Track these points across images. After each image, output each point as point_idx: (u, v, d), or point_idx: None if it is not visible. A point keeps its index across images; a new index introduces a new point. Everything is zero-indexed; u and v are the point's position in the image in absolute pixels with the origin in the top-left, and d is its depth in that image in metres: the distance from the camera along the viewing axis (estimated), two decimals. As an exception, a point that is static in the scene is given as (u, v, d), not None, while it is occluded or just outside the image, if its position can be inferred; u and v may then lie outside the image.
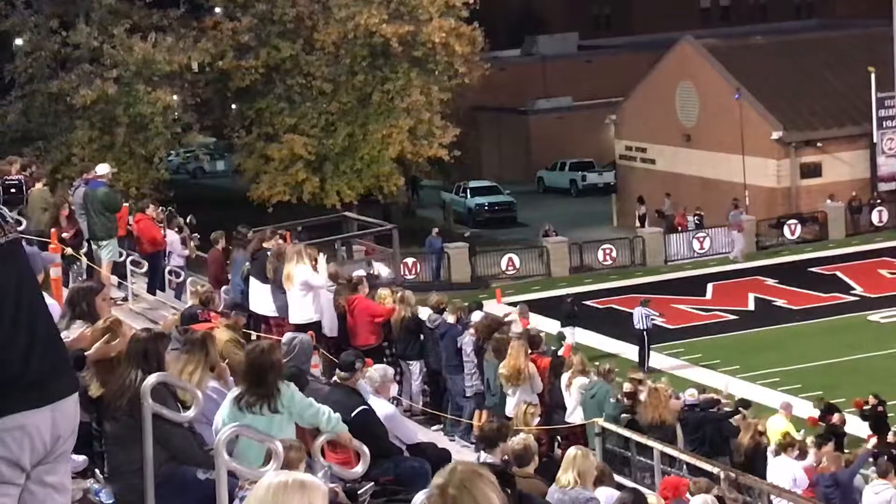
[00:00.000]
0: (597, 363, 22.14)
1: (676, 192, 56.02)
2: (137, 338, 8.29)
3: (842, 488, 17.47)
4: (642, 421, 17.87)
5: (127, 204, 24.34)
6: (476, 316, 19.59)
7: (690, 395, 19.52)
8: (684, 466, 17.01)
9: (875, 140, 52.33)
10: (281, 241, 20.04)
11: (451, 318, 18.48)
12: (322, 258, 18.01)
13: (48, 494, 4.73)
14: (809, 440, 20.25)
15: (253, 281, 18.83)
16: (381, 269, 21.91)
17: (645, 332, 33.42)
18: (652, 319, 33.88)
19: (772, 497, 16.16)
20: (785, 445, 18.18)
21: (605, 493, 11.42)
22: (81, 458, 8.72)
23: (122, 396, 7.96)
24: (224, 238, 23.01)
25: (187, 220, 26.69)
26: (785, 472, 17.58)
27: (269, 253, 18.72)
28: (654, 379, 23.03)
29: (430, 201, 67.29)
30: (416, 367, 18.59)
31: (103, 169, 19.36)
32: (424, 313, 19.07)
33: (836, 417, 24.29)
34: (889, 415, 24.76)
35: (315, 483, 4.28)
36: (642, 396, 18.75)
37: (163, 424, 7.67)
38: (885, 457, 19.48)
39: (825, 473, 17.83)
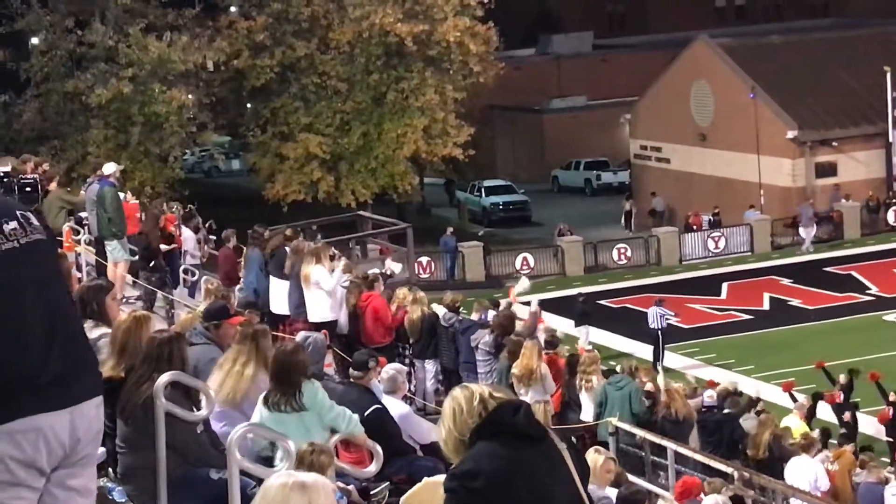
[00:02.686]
0: (612, 362, 22.15)
1: (691, 192, 55.95)
2: (156, 340, 8.28)
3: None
4: (659, 417, 17.90)
5: (136, 201, 24.31)
6: (492, 315, 19.57)
7: (709, 397, 19.47)
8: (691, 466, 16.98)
9: (891, 139, 52.20)
10: (300, 239, 20.11)
11: (474, 316, 18.52)
12: (340, 263, 18.08)
13: (70, 497, 4.68)
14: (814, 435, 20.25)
15: (273, 279, 18.87)
16: (394, 268, 21.85)
17: (659, 332, 33.37)
18: (667, 319, 33.82)
19: (789, 498, 16.09)
20: (805, 446, 18.06)
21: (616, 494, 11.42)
22: (101, 449, 8.72)
23: (138, 399, 7.95)
24: (235, 236, 23.00)
25: (207, 224, 26.71)
26: (805, 472, 17.46)
27: (287, 249, 18.81)
28: (669, 378, 23.04)
29: (445, 201, 67.23)
30: (430, 366, 18.56)
31: (109, 168, 19.31)
32: (440, 312, 19.07)
33: (847, 415, 24.34)
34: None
35: (317, 483, 4.24)
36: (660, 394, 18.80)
37: (171, 424, 7.66)
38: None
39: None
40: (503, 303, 20.55)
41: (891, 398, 24.82)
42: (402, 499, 5.21)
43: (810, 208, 49.39)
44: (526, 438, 4.74)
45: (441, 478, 4.99)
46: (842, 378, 25.70)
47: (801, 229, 49.06)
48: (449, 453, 4.88)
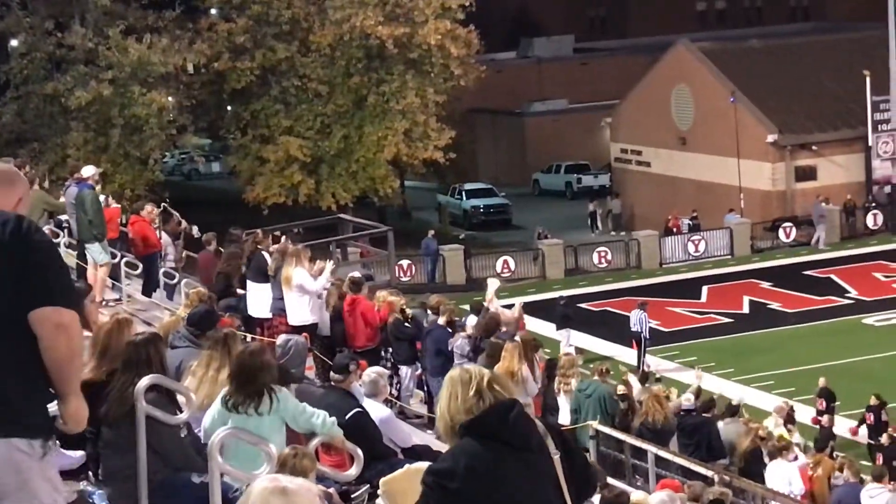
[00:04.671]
0: (591, 364, 22.17)
1: (672, 195, 56.06)
2: (134, 343, 8.25)
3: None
4: (636, 423, 17.91)
5: (118, 206, 24.22)
6: (472, 319, 19.52)
7: (686, 400, 19.51)
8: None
9: (870, 143, 52.36)
10: (282, 241, 20.06)
11: (441, 320, 18.38)
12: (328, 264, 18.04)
13: None
14: (799, 440, 20.30)
15: (250, 283, 18.81)
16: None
17: (643, 336, 33.41)
18: (649, 324, 33.87)
19: (768, 501, 16.16)
20: (780, 449, 18.19)
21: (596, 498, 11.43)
22: (79, 453, 8.70)
23: (123, 403, 7.93)
24: (216, 240, 22.93)
25: (185, 227, 26.54)
26: (780, 475, 17.58)
27: (263, 252, 18.76)
28: (650, 382, 23.05)
29: (426, 204, 67.19)
30: (405, 371, 18.49)
31: (88, 171, 19.21)
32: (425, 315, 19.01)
33: (825, 419, 24.43)
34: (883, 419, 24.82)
35: (299, 488, 4.23)
36: (638, 397, 18.83)
37: (155, 427, 7.65)
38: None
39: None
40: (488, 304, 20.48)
41: (871, 402, 24.93)
42: (382, 480, 5.20)
43: (822, 205, 49.67)
44: (511, 444, 4.77)
45: (421, 465, 5.04)
46: (821, 381, 25.80)
47: (817, 227, 49.38)
48: (440, 432, 5.02)
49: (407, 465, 5.08)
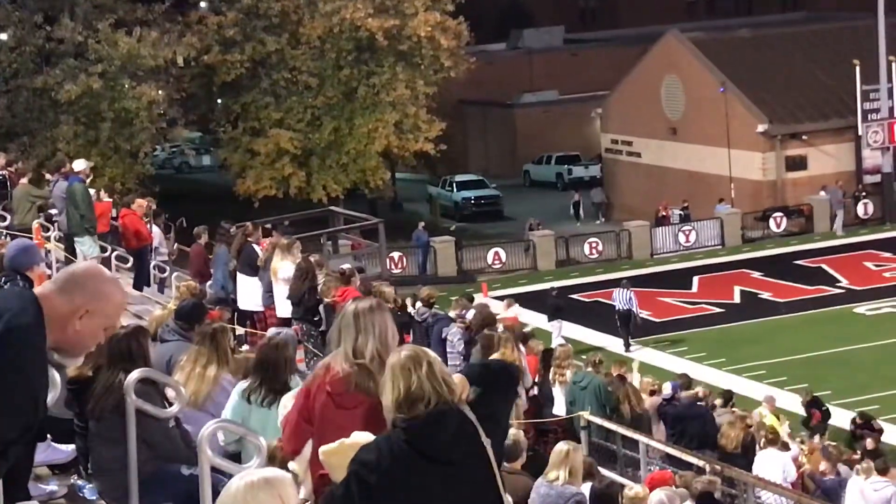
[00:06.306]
0: (584, 356, 22.18)
1: (662, 186, 56.10)
2: (118, 336, 8.24)
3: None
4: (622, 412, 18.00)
5: (110, 200, 24.19)
6: (472, 313, 19.54)
7: (665, 390, 19.57)
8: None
9: (860, 133, 52.40)
10: (276, 235, 20.10)
11: (452, 313, 18.48)
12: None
13: None
14: (786, 431, 20.34)
15: (240, 276, 18.81)
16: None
17: (633, 313, 33.42)
18: (636, 306, 33.88)
19: (758, 490, 16.18)
20: (770, 438, 18.21)
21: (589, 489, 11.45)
22: (69, 448, 8.70)
23: (109, 396, 7.92)
24: (207, 233, 22.94)
25: (177, 223, 26.57)
26: (774, 464, 17.58)
27: (254, 245, 18.78)
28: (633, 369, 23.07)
29: (417, 196, 67.22)
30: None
31: (80, 165, 19.23)
32: (416, 306, 19.06)
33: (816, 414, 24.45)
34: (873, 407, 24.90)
35: (279, 476, 4.23)
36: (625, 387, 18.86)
37: (144, 420, 7.65)
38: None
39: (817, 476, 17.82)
40: (477, 298, 20.59)
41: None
42: (321, 449, 5.18)
43: (839, 191, 49.74)
44: (431, 458, 4.77)
45: (361, 437, 5.03)
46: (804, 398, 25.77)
47: (837, 213, 49.75)
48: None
49: (342, 440, 5.07)
